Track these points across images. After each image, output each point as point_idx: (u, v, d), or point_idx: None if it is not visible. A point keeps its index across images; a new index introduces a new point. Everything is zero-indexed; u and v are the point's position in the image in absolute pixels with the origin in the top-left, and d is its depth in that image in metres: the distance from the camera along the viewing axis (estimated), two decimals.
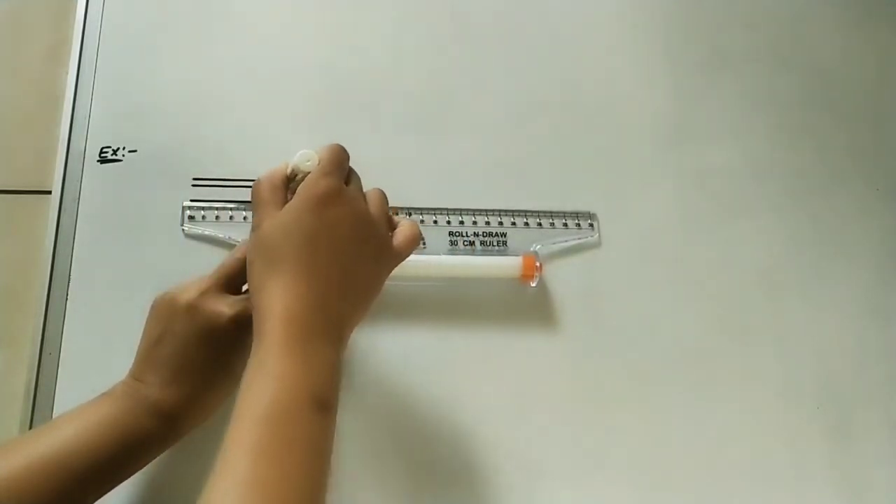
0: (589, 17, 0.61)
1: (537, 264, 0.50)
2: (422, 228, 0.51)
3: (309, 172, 0.40)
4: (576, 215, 0.54)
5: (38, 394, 0.47)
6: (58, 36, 0.57)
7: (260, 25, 0.57)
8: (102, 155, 0.53)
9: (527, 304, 0.51)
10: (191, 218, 0.51)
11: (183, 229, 0.51)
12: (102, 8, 0.56)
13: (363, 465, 0.46)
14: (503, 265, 0.51)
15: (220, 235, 0.50)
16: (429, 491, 0.47)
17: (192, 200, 0.51)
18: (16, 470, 0.36)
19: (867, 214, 0.57)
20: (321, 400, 0.34)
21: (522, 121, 0.57)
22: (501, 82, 0.58)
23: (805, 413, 0.51)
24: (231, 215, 0.51)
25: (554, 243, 0.53)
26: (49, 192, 0.52)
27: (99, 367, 0.47)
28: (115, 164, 0.52)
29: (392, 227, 0.43)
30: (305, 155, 0.40)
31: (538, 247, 0.52)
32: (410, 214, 0.52)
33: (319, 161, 0.40)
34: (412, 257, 0.49)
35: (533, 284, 0.51)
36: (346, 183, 0.41)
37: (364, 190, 0.42)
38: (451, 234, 0.52)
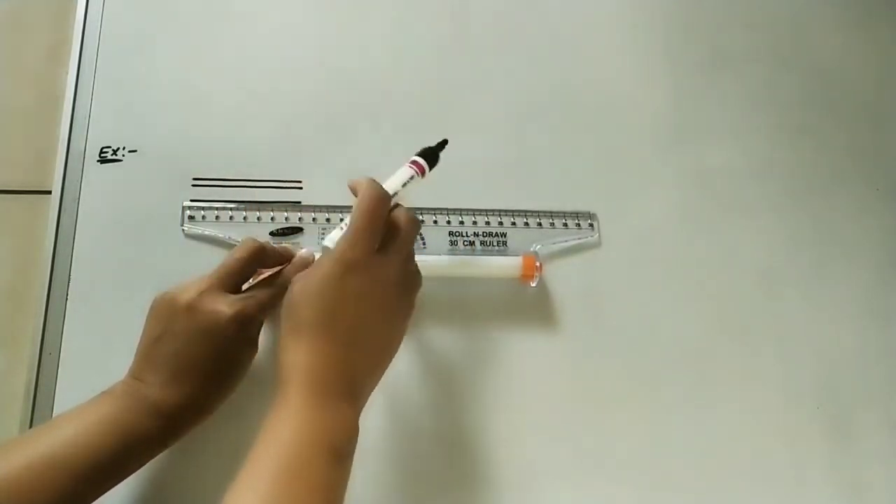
0: (589, 18, 0.61)
1: (537, 264, 0.50)
2: (422, 228, 0.51)
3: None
4: (576, 215, 0.54)
5: (38, 394, 0.47)
6: (58, 36, 0.57)
7: (260, 25, 0.57)
8: (102, 155, 0.53)
9: (527, 304, 0.51)
10: (191, 218, 0.51)
11: (183, 229, 0.51)
12: (102, 8, 0.56)
13: (362, 465, 0.46)
14: (503, 265, 0.51)
15: (220, 235, 0.50)
16: (428, 491, 0.47)
17: (192, 200, 0.51)
18: (16, 469, 0.36)
19: (867, 214, 0.57)
20: (337, 451, 0.35)
21: (522, 120, 0.57)
22: (501, 82, 0.58)
23: (805, 413, 0.51)
24: (231, 215, 0.51)
25: (554, 243, 0.53)
26: (49, 192, 0.52)
27: (99, 367, 0.47)
28: (115, 164, 0.52)
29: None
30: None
31: (538, 247, 0.52)
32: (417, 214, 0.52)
33: (352, 223, 0.40)
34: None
35: (533, 284, 0.51)
36: (389, 235, 0.41)
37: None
38: (451, 233, 0.52)
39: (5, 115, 0.56)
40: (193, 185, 0.52)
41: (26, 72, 0.57)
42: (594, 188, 0.55)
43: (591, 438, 0.49)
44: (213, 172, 0.53)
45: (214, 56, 0.56)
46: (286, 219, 0.51)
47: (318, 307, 0.38)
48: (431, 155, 0.46)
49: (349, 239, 0.39)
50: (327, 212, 0.51)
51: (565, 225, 0.53)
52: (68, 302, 0.49)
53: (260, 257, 0.45)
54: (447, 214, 0.53)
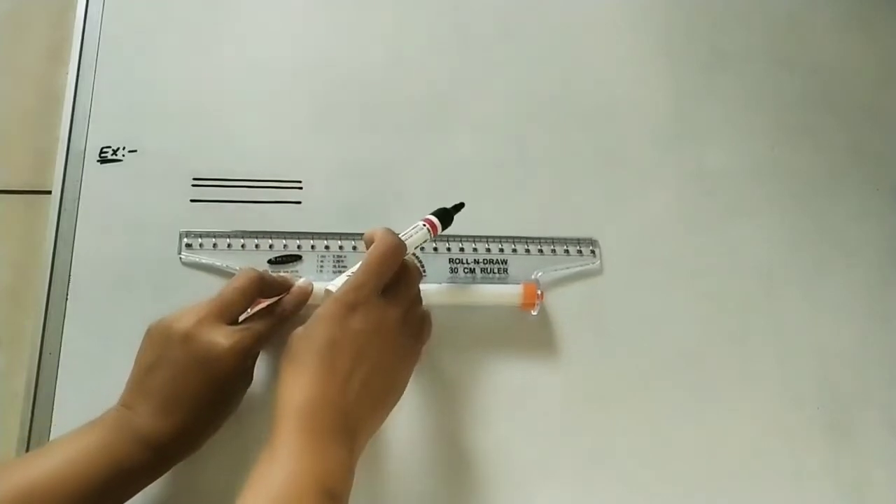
0: (589, 18, 0.61)
1: (538, 293, 0.50)
2: (422, 256, 0.51)
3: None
4: (577, 242, 0.53)
5: (38, 394, 0.47)
6: (58, 36, 0.57)
7: (260, 25, 0.57)
8: (102, 155, 0.53)
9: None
10: (188, 246, 0.50)
11: (180, 257, 0.50)
12: (102, 8, 0.56)
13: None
14: (504, 293, 0.50)
15: (218, 264, 0.50)
16: (429, 491, 0.47)
17: (187, 234, 0.50)
18: (3, 498, 0.35)
19: (867, 214, 0.57)
20: (330, 494, 0.35)
21: (522, 120, 0.57)
22: (501, 82, 0.58)
23: (805, 413, 0.51)
24: (229, 243, 0.50)
25: (555, 270, 0.52)
26: (49, 192, 0.52)
27: (99, 367, 0.47)
28: (115, 164, 0.52)
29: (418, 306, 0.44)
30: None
31: (539, 274, 0.52)
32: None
33: (362, 268, 0.40)
34: None
35: (534, 313, 0.50)
36: (394, 279, 0.42)
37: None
38: (451, 260, 0.52)
39: (5, 115, 0.56)
40: (193, 185, 0.52)
41: (26, 72, 0.57)
42: (593, 188, 0.55)
43: (591, 440, 0.49)
44: (213, 172, 0.53)
45: (215, 56, 0.56)
46: (285, 246, 0.50)
47: (318, 346, 0.38)
48: (446, 216, 0.47)
49: (355, 281, 0.40)
50: (326, 239, 0.51)
51: (567, 252, 0.53)
52: (68, 302, 0.49)
53: (259, 287, 0.44)
54: (447, 241, 0.52)
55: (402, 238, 0.43)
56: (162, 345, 0.41)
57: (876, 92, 0.61)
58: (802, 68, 0.61)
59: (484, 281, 0.51)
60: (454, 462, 0.48)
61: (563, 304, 0.52)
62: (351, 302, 0.39)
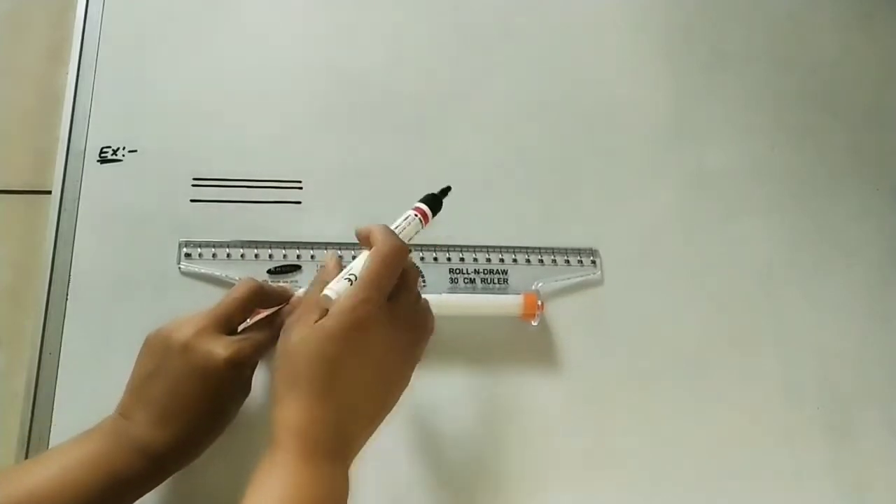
0: (589, 18, 0.61)
1: (539, 303, 0.50)
2: (422, 266, 0.51)
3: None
4: (577, 252, 0.53)
5: (38, 394, 0.47)
6: (58, 36, 0.57)
7: (260, 25, 0.57)
8: (102, 155, 0.53)
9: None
10: (187, 255, 0.50)
11: (179, 267, 0.50)
12: (102, 8, 0.56)
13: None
14: (504, 304, 0.50)
15: (218, 274, 0.50)
16: (428, 492, 0.47)
17: (187, 242, 0.50)
18: None
19: (867, 214, 0.57)
20: None
21: (522, 120, 0.57)
22: (501, 82, 0.58)
23: (805, 413, 0.51)
24: (228, 253, 0.50)
25: (556, 280, 0.52)
26: (49, 192, 0.52)
27: (99, 367, 0.47)
28: (115, 164, 0.52)
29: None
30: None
31: (540, 284, 0.52)
32: (410, 251, 0.51)
33: (360, 279, 0.38)
34: None
35: (534, 323, 0.50)
36: (398, 285, 0.40)
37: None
38: (451, 270, 0.52)
39: (5, 115, 0.56)
40: (193, 185, 0.52)
41: (26, 72, 0.57)
42: (593, 189, 0.55)
43: (592, 444, 0.49)
44: (213, 172, 0.53)
45: (215, 56, 0.56)
46: (284, 256, 0.50)
47: (318, 365, 0.37)
48: (435, 202, 0.45)
49: (361, 292, 0.38)
50: (326, 248, 0.50)
51: (567, 262, 0.53)
52: (68, 302, 0.49)
53: (258, 297, 0.44)
54: (447, 251, 0.52)
55: (399, 231, 0.42)
56: (160, 354, 0.41)
57: (876, 92, 0.61)
58: (802, 68, 0.61)
59: (484, 291, 0.51)
60: (455, 470, 0.48)
61: (563, 315, 0.52)
62: (358, 318, 0.37)
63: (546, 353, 0.51)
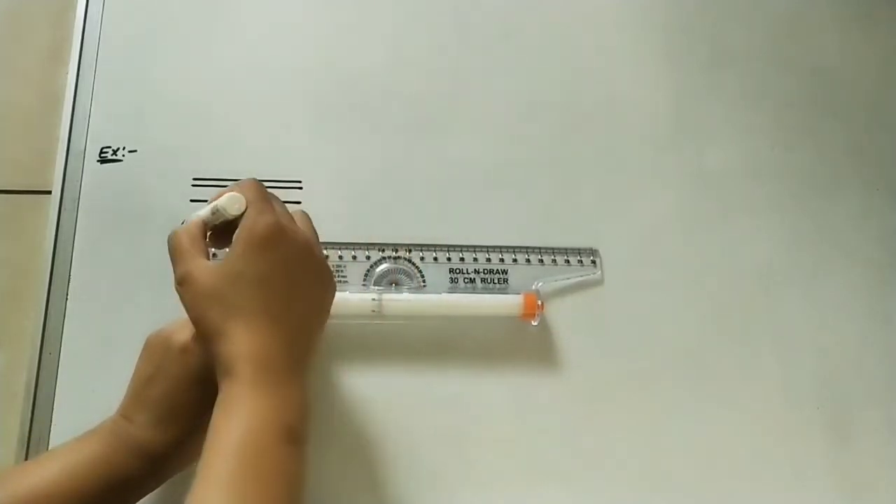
0: (589, 18, 0.60)
1: (539, 303, 0.50)
2: (422, 266, 0.51)
3: (237, 215, 0.39)
4: (578, 252, 0.53)
5: (38, 394, 0.47)
6: (58, 36, 0.57)
7: (260, 25, 0.57)
8: (102, 155, 0.53)
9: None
10: None
11: None
12: (102, 8, 0.56)
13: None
14: (504, 304, 0.50)
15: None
16: (428, 492, 0.47)
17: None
18: None
19: (867, 214, 0.57)
20: (291, 432, 0.35)
21: (522, 120, 0.57)
22: (501, 82, 0.58)
23: (805, 413, 0.51)
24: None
25: (556, 280, 0.52)
26: (49, 192, 0.52)
27: (99, 367, 0.47)
28: (115, 164, 0.52)
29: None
30: (232, 198, 0.39)
31: (540, 284, 0.52)
32: (410, 251, 0.52)
33: (248, 201, 0.39)
34: (413, 296, 0.49)
35: (534, 323, 0.50)
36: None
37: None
38: (451, 270, 0.52)
39: (5, 115, 0.56)
40: (193, 185, 0.52)
41: (26, 72, 0.57)
42: (593, 189, 0.55)
43: (592, 444, 0.49)
44: (213, 172, 0.53)
45: (214, 56, 0.56)
46: None
47: (251, 286, 0.37)
48: None
49: (255, 210, 0.38)
50: (326, 248, 0.50)
51: (567, 262, 0.53)
52: (68, 302, 0.49)
53: None
54: (447, 251, 0.52)
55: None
56: (160, 356, 0.41)
57: (876, 92, 0.61)
58: (803, 68, 0.61)
59: (484, 291, 0.51)
60: (455, 469, 0.48)
61: (563, 315, 0.52)
62: (265, 231, 0.37)
63: (546, 353, 0.51)
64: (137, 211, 0.51)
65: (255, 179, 0.41)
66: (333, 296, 0.42)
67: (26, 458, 0.46)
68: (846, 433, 0.51)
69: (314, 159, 0.54)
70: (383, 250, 0.51)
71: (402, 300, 0.50)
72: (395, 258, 0.51)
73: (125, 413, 0.41)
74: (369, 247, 0.51)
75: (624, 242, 0.54)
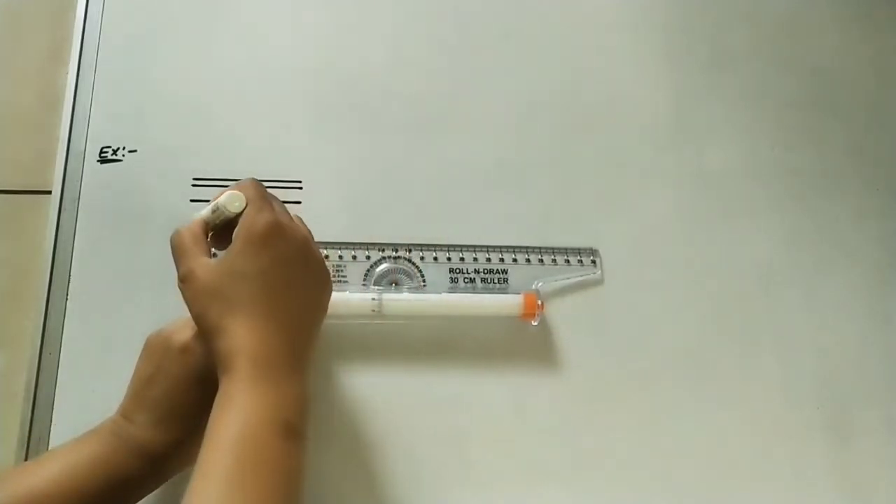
0: (589, 19, 0.60)
1: (539, 303, 0.50)
2: (422, 266, 0.51)
3: (237, 213, 0.40)
4: (577, 251, 0.53)
5: (38, 394, 0.47)
6: (58, 36, 0.57)
7: (260, 25, 0.57)
8: (102, 155, 0.53)
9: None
10: None
11: None
12: (102, 8, 0.56)
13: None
14: (504, 304, 0.50)
15: None
16: (427, 492, 0.47)
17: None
18: None
19: (867, 215, 0.57)
20: (290, 428, 0.35)
21: (522, 120, 0.57)
22: (501, 82, 0.58)
23: (805, 413, 0.51)
24: None
25: (556, 280, 0.52)
26: (49, 192, 0.52)
27: (99, 367, 0.47)
28: (115, 164, 0.52)
29: None
30: (232, 196, 0.40)
31: (540, 284, 0.52)
32: (410, 251, 0.52)
33: (248, 199, 0.40)
34: (413, 296, 0.49)
35: (534, 323, 0.50)
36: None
37: None
38: (451, 270, 0.52)
39: (5, 115, 0.56)
40: (193, 185, 0.52)
41: (26, 72, 0.57)
42: (593, 189, 0.55)
43: (592, 444, 0.49)
44: (213, 172, 0.53)
45: (214, 56, 0.56)
46: None
47: (251, 282, 0.37)
48: None
49: (254, 208, 0.39)
50: (326, 248, 0.50)
51: (567, 262, 0.53)
52: (68, 302, 0.49)
53: None
54: (447, 251, 0.52)
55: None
56: (160, 356, 0.41)
57: (876, 92, 0.61)
58: (803, 68, 0.61)
59: (484, 291, 0.51)
60: (454, 469, 0.48)
61: (563, 315, 0.52)
62: (264, 228, 0.38)
63: (546, 353, 0.51)
64: (137, 211, 0.51)
65: (254, 179, 0.41)
66: (330, 294, 0.42)
67: (26, 458, 0.46)
68: (846, 433, 0.51)
69: (314, 159, 0.54)
70: (383, 250, 0.51)
71: (402, 300, 0.50)
72: (395, 258, 0.51)
73: (125, 413, 0.41)
74: (369, 246, 0.51)
75: (624, 242, 0.54)
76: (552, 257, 0.53)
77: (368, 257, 0.51)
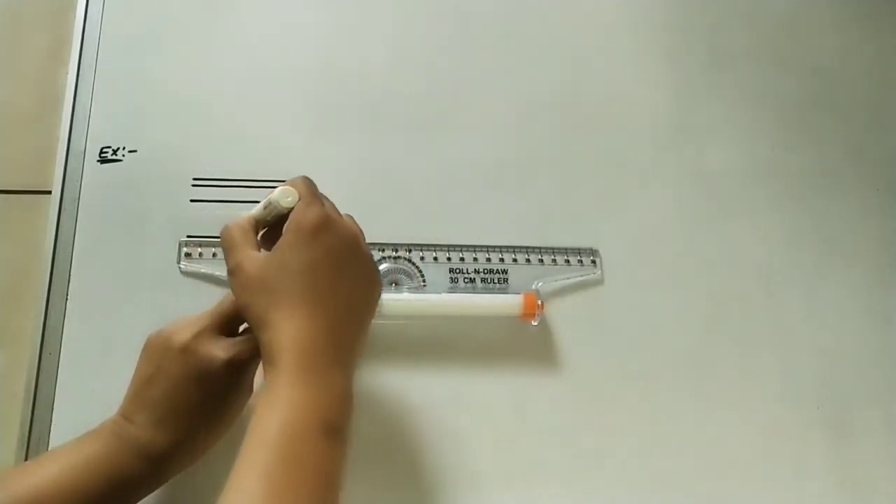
0: (589, 18, 0.61)
1: (539, 303, 0.50)
2: (422, 266, 0.51)
3: (289, 209, 0.40)
4: (578, 251, 0.53)
5: (38, 394, 0.47)
6: (58, 36, 0.57)
7: (260, 25, 0.57)
8: (102, 155, 0.53)
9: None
10: (188, 255, 0.50)
11: (180, 267, 0.50)
12: (102, 8, 0.56)
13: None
14: (504, 304, 0.50)
15: (218, 273, 0.49)
16: (427, 492, 0.47)
17: (188, 237, 0.50)
18: None
19: (867, 214, 0.57)
20: (331, 426, 0.35)
21: (522, 120, 0.57)
22: (501, 82, 0.58)
23: (805, 413, 0.51)
24: None
25: (556, 280, 0.52)
26: (49, 192, 0.52)
27: (99, 367, 0.47)
28: (115, 164, 0.52)
29: None
30: (285, 191, 0.40)
31: (539, 284, 0.52)
32: (410, 251, 0.51)
33: (299, 195, 0.40)
34: (413, 295, 0.49)
35: (534, 323, 0.50)
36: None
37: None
38: (451, 270, 0.51)
39: (5, 115, 0.56)
40: (193, 185, 0.52)
41: (26, 72, 0.57)
42: (593, 189, 0.55)
43: (592, 443, 0.49)
44: (213, 172, 0.53)
45: (214, 56, 0.56)
46: None
47: (297, 274, 0.37)
48: None
49: (304, 202, 0.39)
50: None
51: (567, 262, 0.53)
52: (68, 302, 0.49)
53: None
54: (447, 251, 0.52)
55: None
56: (160, 357, 0.40)
57: (876, 92, 0.61)
58: (802, 68, 0.61)
59: (484, 291, 0.51)
60: (454, 469, 0.48)
61: (563, 315, 0.52)
62: (313, 221, 0.38)
63: (546, 353, 0.51)
64: (137, 211, 0.51)
65: (305, 176, 0.41)
66: (380, 292, 0.42)
67: (26, 458, 0.46)
68: (846, 433, 0.51)
69: (314, 159, 0.54)
70: (383, 250, 0.51)
71: (402, 300, 0.50)
72: (395, 258, 0.51)
73: (125, 413, 0.41)
74: (369, 246, 0.51)
75: (624, 242, 0.54)
76: (552, 257, 0.53)
77: None
